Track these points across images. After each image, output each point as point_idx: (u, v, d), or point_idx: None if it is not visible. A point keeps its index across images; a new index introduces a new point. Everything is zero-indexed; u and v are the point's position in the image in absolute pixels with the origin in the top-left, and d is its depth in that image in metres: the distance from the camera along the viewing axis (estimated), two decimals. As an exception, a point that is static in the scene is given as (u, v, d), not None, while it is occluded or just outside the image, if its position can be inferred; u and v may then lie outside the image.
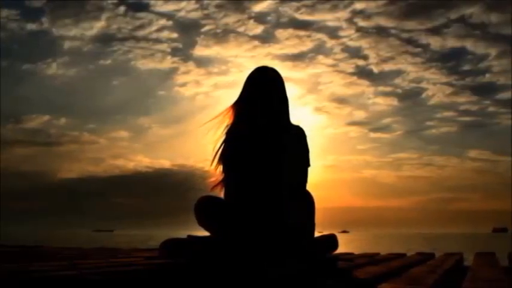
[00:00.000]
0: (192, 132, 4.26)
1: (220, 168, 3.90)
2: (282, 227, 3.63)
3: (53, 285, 2.32)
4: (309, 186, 3.83)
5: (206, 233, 3.80)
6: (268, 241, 3.61)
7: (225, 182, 3.88)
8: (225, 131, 3.90)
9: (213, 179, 3.92)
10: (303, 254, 3.63)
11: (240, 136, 3.85)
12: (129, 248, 7.73)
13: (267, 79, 3.87)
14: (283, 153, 3.77)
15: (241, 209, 3.73)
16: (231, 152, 3.86)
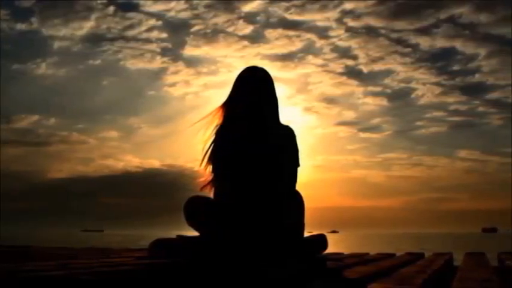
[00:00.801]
0: (181, 132, 4.27)
1: (210, 168, 3.90)
2: (272, 227, 3.64)
3: (43, 285, 2.31)
4: (299, 186, 3.85)
5: (196, 233, 3.80)
6: (259, 241, 3.61)
7: (215, 182, 3.88)
8: (215, 131, 3.91)
9: (202, 179, 3.91)
10: (294, 254, 3.63)
11: (229, 136, 3.85)
12: (119, 248, 7.72)
13: (257, 79, 3.87)
14: (273, 154, 3.77)
15: (230, 209, 3.73)
16: (221, 152, 3.86)
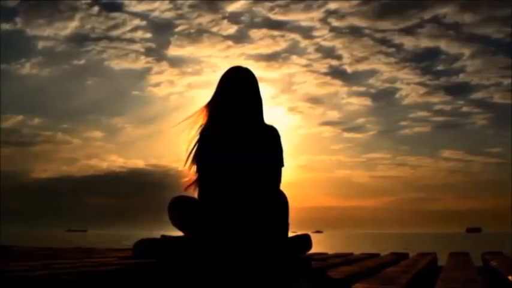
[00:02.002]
0: (165, 132, 4.27)
1: (194, 168, 3.89)
2: (256, 227, 3.64)
3: (27, 285, 2.31)
4: (283, 186, 3.84)
5: (180, 233, 3.80)
6: (243, 241, 3.61)
7: (199, 182, 3.88)
8: (199, 131, 3.90)
9: (186, 179, 3.91)
10: (277, 254, 3.63)
11: (213, 136, 3.85)
12: (103, 247, 7.70)
13: (241, 79, 3.87)
14: (257, 154, 3.77)
15: (214, 209, 3.72)
16: (204, 152, 3.86)
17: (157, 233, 4.07)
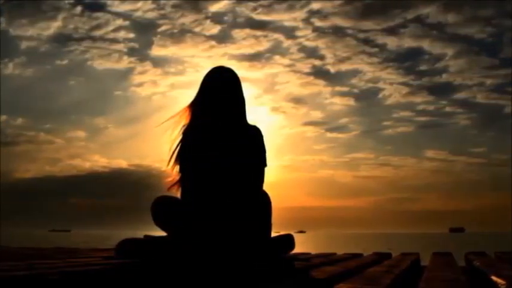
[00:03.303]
0: (148, 132, 4.28)
1: (177, 168, 3.89)
2: (239, 227, 3.63)
3: (10, 285, 2.28)
4: (266, 186, 3.86)
5: (163, 233, 3.79)
6: (225, 241, 3.61)
7: (182, 182, 3.87)
8: (182, 131, 3.90)
9: (169, 179, 3.92)
10: (259, 254, 3.63)
11: (196, 136, 3.84)
12: (86, 247, 7.68)
13: (224, 79, 3.88)
14: (240, 154, 3.78)
15: (196, 209, 3.72)
16: (187, 152, 3.85)
17: (140, 233, 4.06)
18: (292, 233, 4.07)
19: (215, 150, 3.78)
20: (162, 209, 3.76)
